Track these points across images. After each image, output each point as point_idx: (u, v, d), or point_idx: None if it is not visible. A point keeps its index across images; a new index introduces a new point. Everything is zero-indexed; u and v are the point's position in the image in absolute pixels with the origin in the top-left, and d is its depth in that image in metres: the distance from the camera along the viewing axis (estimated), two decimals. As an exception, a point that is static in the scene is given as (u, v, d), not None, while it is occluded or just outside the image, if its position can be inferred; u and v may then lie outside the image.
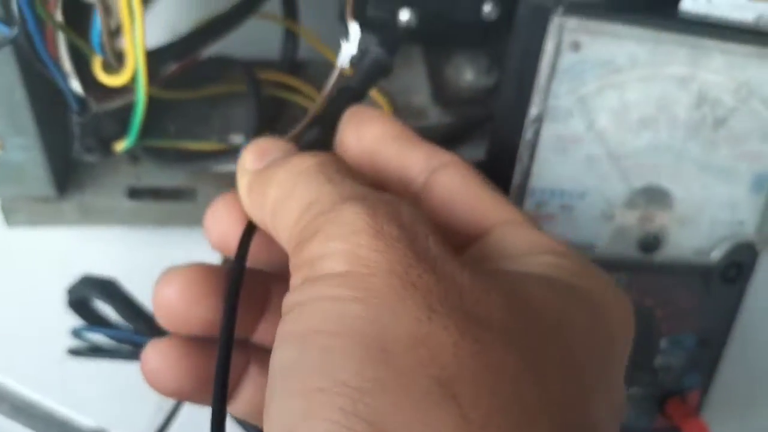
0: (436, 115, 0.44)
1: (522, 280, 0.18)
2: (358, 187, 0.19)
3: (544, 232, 0.21)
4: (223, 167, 0.39)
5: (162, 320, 0.23)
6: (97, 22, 0.28)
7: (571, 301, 0.19)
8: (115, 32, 0.29)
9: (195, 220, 0.40)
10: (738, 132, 0.33)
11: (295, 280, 0.18)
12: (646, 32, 0.30)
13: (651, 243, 0.34)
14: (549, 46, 0.29)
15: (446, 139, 0.41)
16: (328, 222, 0.18)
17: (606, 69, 0.30)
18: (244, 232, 0.23)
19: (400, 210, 0.18)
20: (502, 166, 0.32)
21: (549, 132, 0.31)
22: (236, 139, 0.41)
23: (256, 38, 0.48)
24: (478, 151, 0.42)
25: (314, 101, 0.45)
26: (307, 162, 0.21)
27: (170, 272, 0.23)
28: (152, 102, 0.32)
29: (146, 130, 0.38)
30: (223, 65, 0.40)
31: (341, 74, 0.30)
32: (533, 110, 0.30)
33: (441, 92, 0.43)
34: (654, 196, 0.33)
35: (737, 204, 0.34)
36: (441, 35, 0.39)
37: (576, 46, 0.29)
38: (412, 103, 0.46)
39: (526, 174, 0.31)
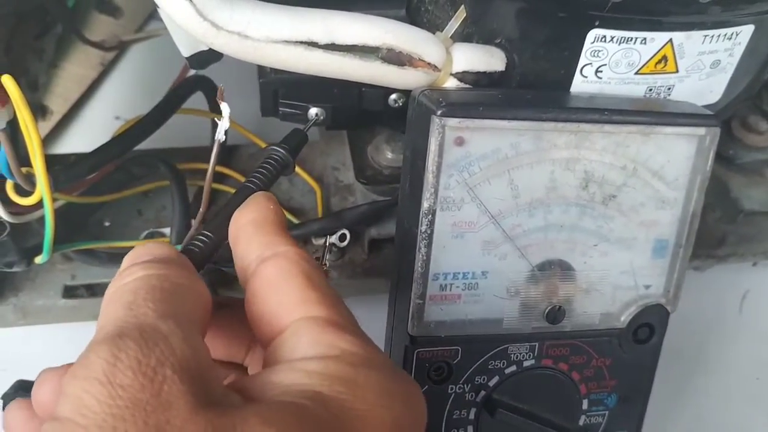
0: (361, 192, 0.46)
1: (268, 418, 0.19)
2: (147, 317, 0.20)
3: (335, 329, 0.22)
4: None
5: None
6: (2, 151, 0.30)
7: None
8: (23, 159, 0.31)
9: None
10: (631, 204, 0.34)
11: None
12: (527, 124, 0.31)
13: (557, 314, 0.35)
14: (433, 144, 0.31)
15: (368, 217, 0.43)
16: (80, 359, 0.19)
17: (492, 159, 0.32)
18: None
19: (151, 354, 0.19)
20: (406, 254, 0.33)
21: (444, 221, 0.32)
22: (165, 231, 0.42)
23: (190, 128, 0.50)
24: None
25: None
26: (122, 281, 0.23)
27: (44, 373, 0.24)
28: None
29: (79, 229, 0.39)
30: (150, 160, 0.42)
31: (219, 146, 0.32)
32: (425, 203, 0.31)
33: (363, 171, 0.44)
34: (555, 270, 0.34)
35: (641, 270, 0.36)
36: (353, 123, 0.40)
37: (460, 142, 0.31)
38: (340, 180, 0.48)
39: (426, 261, 0.32)
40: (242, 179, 0.47)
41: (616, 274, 0.36)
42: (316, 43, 0.31)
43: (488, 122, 0.31)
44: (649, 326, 0.37)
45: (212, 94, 0.43)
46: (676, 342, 0.39)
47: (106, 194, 0.42)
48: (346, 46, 0.31)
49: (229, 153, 0.49)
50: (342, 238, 0.43)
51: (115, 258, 0.41)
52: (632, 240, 0.35)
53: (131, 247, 0.43)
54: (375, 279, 0.44)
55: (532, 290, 0.34)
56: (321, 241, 0.44)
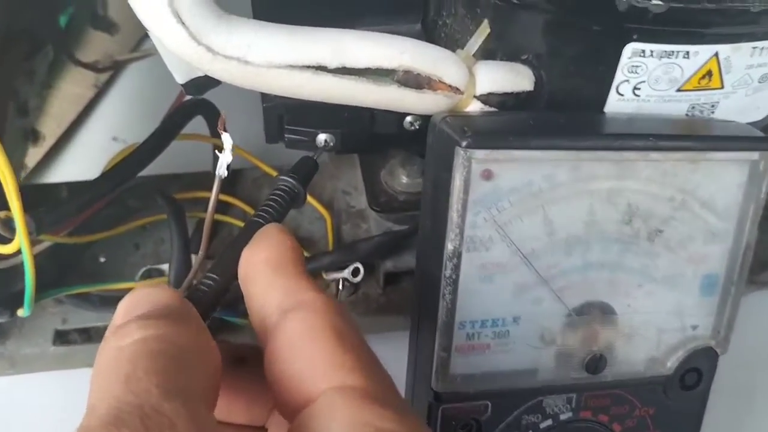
0: (375, 219, 0.42)
1: None
2: (150, 396, 0.17)
3: (374, 404, 0.19)
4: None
5: None
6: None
7: None
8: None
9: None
10: (678, 239, 0.31)
11: None
12: (563, 154, 0.28)
13: (598, 363, 0.31)
14: (458, 179, 0.27)
15: (383, 249, 0.39)
16: None
17: (523, 193, 0.28)
18: None
19: None
20: (428, 300, 0.30)
21: (471, 263, 0.29)
22: (164, 268, 0.39)
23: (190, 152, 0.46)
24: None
25: (245, 216, 0.43)
26: (117, 343, 0.19)
27: None
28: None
29: (72, 268, 0.36)
30: (146, 191, 0.39)
31: (220, 182, 0.28)
32: (449, 245, 0.28)
33: (376, 198, 0.41)
34: (594, 314, 0.31)
35: (688, 309, 0.32)
36: (365, 147, 0.37)
37: (488, 175, 0.27)
38: (352, 206, 0.44)
39: (451, 309, 0.29)
40: (246, 208, 0.44)
41: (661, 316, 0.32)
42: (325, 67, 0.28)
43: (519, 153, 0.27)
44: (697, 371, 0.34)
45: (213, 118, 0.40)
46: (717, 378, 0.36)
47: (99, 231, 0.39)
48: (358, 69, 0.28)
49: (231, 178, 0.46)
50: (355, 272, 0.40)
51: (110, 301, 0.37)
52: (679, 277, 0.32)
53: (128, 289, 0.40)
54: (392, 316, 0.41)
55: (569, 337, 0.31)
56: (333, 276, 0.40)
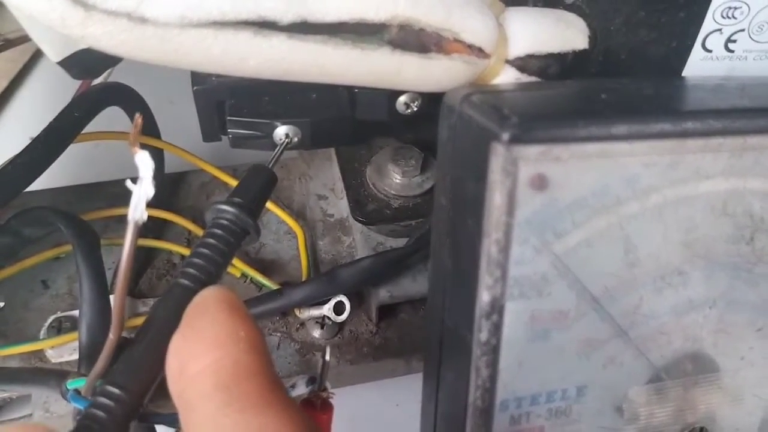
0: (362, 232, 0.32)
1: None
2: None
3: None
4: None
5: None
6: None
7: None
8: None
9: None
10: (811, 258, 0.21)
11: None
12: (658, 144, 0.18)
13: (697, 440, 0.22)
14: (497, 192, 0.17)
15: (374, 275, 0.29)
16: None
17: (594, 207, 0.18)
18: None
19: None
20: (451, 374, 0.20)
21: (517, 317, 0.19)
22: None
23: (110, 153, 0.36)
24: (419, 285, 0.30)
25: (191, 239, 0.33)
26: None
27: None
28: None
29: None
30: (43, 216, 0.28)
31: (137, 231, 0.17)
32: (485, 295, 0.18)
33: (361, 205, 0.31)
34: (691, 373, 0.21)
35: (815, 352, 0.23)
36: (343, 140, 0.26)
37: (541, 183, 0.17)
38: (330, 214, 0.34)
39: (490, 389, 0.19)
40: (190, 227, 0.33)
41: (781, 365, 0.22)
42: (275, 23, 0.17)
43: (595, 146, 0.17)
44: (822, 431, 0.24)
45: (134, 109, 0.29)
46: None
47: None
48: (328, 25, 0.18)
49: (172, 185, 0.35)
50: (338, 308, 0.29)
51: (7, 376, 0.27)
52: (808, 311, 0.22)
53: (32, 352, 0.29)
54: (389, 360, 0.31)
55: (657, 409, 0.21)
56: (309, 314, 0.30)
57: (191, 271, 0.18)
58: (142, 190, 0.17)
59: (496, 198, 0.17)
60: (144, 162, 0.17)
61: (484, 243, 0.18)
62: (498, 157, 0.17)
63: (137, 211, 0.17)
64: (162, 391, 0.17)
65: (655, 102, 0.19)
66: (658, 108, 0.18)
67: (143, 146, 0.18)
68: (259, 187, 0.21)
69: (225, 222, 0.20)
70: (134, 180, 0.17)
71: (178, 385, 0.15)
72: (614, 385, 0.21)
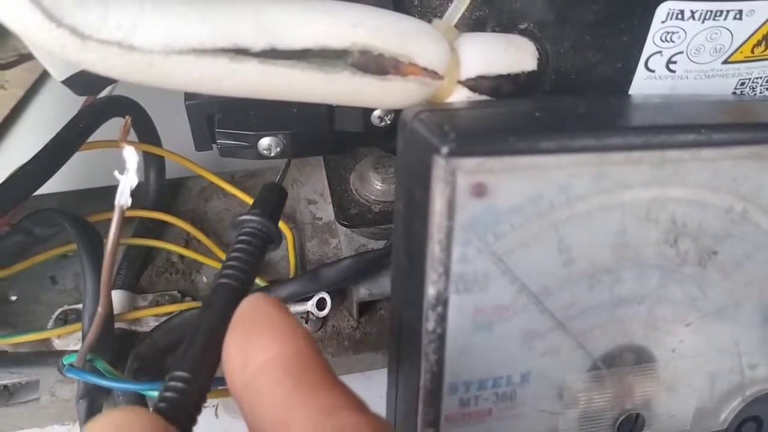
0: (347, 234, 0.35)
1: None
2: None
3: None
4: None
5: None
6: None
7: None
8: None
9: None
10: (736, 260, 0.23)
11: None
12: (585, 158, 0.20)
13: (634, 426, 0.24)
14: (439, 198, 0.19)
15: (355, 274, 0.32)
16: None
17: (530, 212, 0.20)
18: None
19: None
20: (406, 360, 0.22)
21: (462, 309, 0.21)
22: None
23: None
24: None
25: (189, 241, 0.35)
26: None
27: None
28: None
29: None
30: (50, 216, 0.31)
31: (122, 214, 0.20)
32: (430, 288, 0.20)
33: (344, 210, 0.33)
34: (628, 363, 0.23)
35: (746, 347, 0.25)
36: (324, 149, 0.29)
37: (481, 191, 0.20)
38: (318, 217, 0.36)
39: (438, 373, 0.21)
40: (189, 228, 0.36)
41: (713, 358, 0.25)
42: (247, 50, 0.20)
43: (524, 159, 0.19)
44: (756, 420, 0.26)
45: (137, 119, 0.32)
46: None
47: (2, 267, 0.31)
48: (295, 51, 0.20)
49: (172, 190, 0.38)
50: (321, 304, 0.32)
51: (12, 359, 0.30)
52: (736, 308, 0.24)
53: (40, 341, 0.32)
54: (370, 353, 0.33)
55: (596, 395, 0.24)
56: (294, 309, 0.32)
57: (232, 272, 0.21)
58: (128, 179, 0.19)
59: (437, 204, 0.19)
60: (130, 155, 0.19)
61: (429, 243, 0.20)
62: (438, 168, 0.19)
63: (122, 196, 0.20)
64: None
65: (583, 119, 0.21)
66: (584, 125, 0.21)
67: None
68: (274, 201, 0.24)
69: (252, 230, 0.22)
70: (121, 171, 0.20)
71: (241, 377, 0.17)
72: (555, 373, 0.23)
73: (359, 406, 0.16)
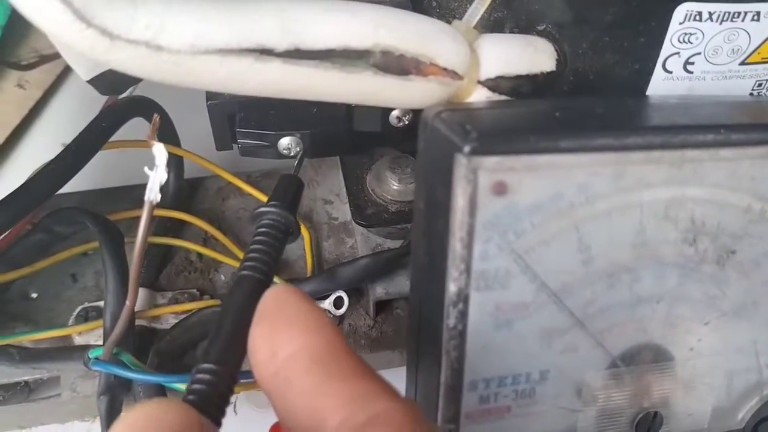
0: (363, 234, 0.35)
1: None
2: None
3: None
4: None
5: None
6: None
7: None
8: None
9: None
10: (754, 259, 0.23)
11: None
12: (604, 157, 0.20)
13: (652, 424, 0.24)
14: (461, 196, 0.20)
15: (372, 273, 0.32)
16: None
17: (550, 211, 0.21)
18: None
19: None
20: (426, 357, 0.23)
21: (482, 307, 0.21)
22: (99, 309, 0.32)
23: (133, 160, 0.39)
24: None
25: (207, 239, 0.36)
26: None
27: None
28: None
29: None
30: (72, 215, 0.31)
31: (151, 209, 0.20)
32: (451, 285, 0.21)
33: (361, 209, 0.33)
34: (646, 362, 0.24)
35: (763, 345, 0.25)
36: (342, 149, 0.29)
37: (501, 190, 0.20)
38: (335, 217, 0.37)
39: (458, 370, 0.22)
40: (207, 227, 0.36)
41: (731, 357, 0.25)
42: (272, 50, 0.20)
43: (544, 158, 0.20)
44: (774, 420, 0.26)
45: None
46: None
47: (24, 264, 0.32)
48: (318, 51, 0.20)
49: (190, 189, 0.39)
50: (338, 303, 0.32)
51: (34, 356, 0.30)
52: (755, 307, 0.24)
53: (61, 337, 0.32)
54: (386, 352, 0.33)
55: (614, 393, 0.24)
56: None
57: (254, 264, 0.21)
58: (157, 175, 0.20)
59: (459, 202, 0.20)
60: (159, 152, 0.20)
61: (451, 240, 0.20)
62: (460, 166, 0.19)
63: (152, 192, 0.20)
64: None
65: (603, 119, 0.21)
66: (603, 124, 0.21)
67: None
68: (292, 192, 0.24)
69: (272, 221, 0.23)
70: (151, 167, 0.20)
71: (270, 367, 0.17)
72: (574, 371, 0.23)
73: (391, 392, 0.16)
